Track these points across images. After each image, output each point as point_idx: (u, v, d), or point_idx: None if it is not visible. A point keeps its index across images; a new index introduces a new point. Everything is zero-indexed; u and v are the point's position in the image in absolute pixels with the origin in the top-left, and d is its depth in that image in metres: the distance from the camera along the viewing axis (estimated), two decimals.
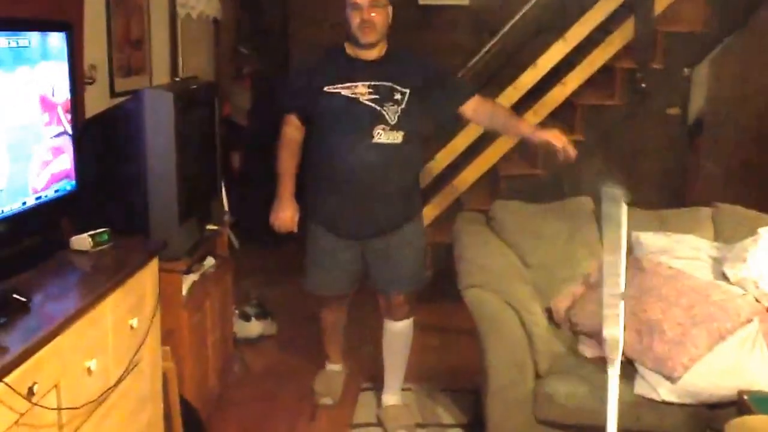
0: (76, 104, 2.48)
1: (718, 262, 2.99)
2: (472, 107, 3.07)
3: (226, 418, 3.22)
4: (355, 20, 2.89)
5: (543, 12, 4.76)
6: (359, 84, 2.90)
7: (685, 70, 4.65)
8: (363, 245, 3.06)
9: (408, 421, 3.17)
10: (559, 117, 4.56)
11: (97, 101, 2.99)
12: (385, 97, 2.89)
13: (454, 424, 3.17)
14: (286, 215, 3.02)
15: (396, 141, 2.90)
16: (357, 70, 2.94)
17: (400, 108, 2.90)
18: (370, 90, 2.90)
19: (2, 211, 2.06)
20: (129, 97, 2.79)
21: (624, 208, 2.33)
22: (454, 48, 4.94)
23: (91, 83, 3.01)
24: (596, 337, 2.77)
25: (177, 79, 3.86)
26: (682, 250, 3.01)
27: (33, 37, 2.19)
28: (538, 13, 4.71)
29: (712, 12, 4.46)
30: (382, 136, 2.88)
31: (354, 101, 2.89)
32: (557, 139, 2.92)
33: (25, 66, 2.14)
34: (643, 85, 4.49)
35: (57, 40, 2.34)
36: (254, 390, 3.47)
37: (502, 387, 2.65)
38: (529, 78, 4.47)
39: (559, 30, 4.55)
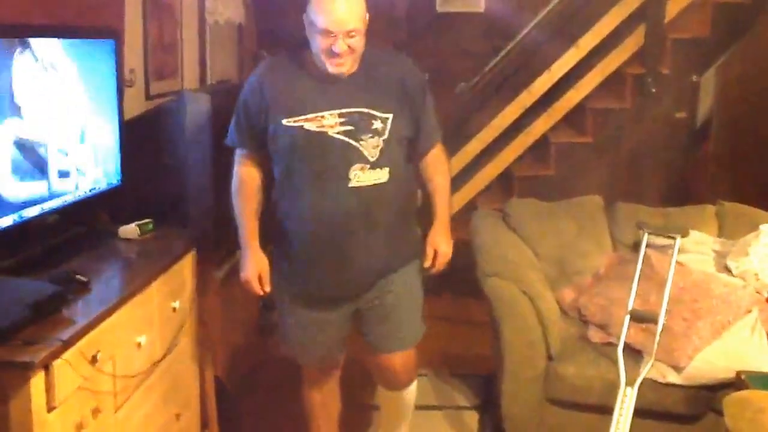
0: (121, 106, 2.69)
1: (721, 256, 3.16)
2: (432, 154, 2.51)
3: (255, 398, 3.40)
4: (321, 44, 2.22)
5: (556, 19, 4.92)
6: (326, 114, 2.26)
7: (694, 77, 4.80)
8: (350, 304, 2.49)
9: None
10: (569, 120, 4.74)
11: (134, 103, 3.17)
12: (361, 127, 2.27)
13: (468, 406, 3.35)
14: (251, 274, 2.40)
15: (380, 180, 2.30)
16: (323, 95, 2.29)
17: (381, 139, 2.28)
18: (342, 120, 2.26)
19: (64, 201, 2.27)
20: (169, 99, 2.98)
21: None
22: (468, 54, 5.11)
23: (130, 86, 3.20)
24: (603, 325, 2.95)
25: (211, 82, 4.05)
26: (688, 245, 3.18)
27: (84, 44, 2.39)
28: (551, 20, 4.87)
29: (719, 19, 4.60)
30: (362, 177, 2.27)
31: (321, 136, 2.25)
32: (441, 255, 2.49)
33: (76, 68, 2.34)
34: (653, 89, 4.66)
35: (106, 46, 2.54)
36: (278, 373, 3.63)
37: (516, 367, 2.83)
38: (543, 83, 4.64)
39: (572, 36, 4.71)
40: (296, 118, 2.27)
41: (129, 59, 3.18)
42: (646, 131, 4.74)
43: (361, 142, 2.27)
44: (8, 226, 2.05)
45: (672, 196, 4.42)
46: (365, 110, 2.29)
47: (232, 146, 2.40)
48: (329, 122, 2.26)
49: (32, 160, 2.13)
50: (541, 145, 4.74)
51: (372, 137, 2.27)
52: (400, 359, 2.54)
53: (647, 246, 3.08)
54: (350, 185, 2.26)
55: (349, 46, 2.21)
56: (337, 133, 2.25)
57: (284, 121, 2.27)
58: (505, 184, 4.87)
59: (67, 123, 2.31)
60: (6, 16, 2.25)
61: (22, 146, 2.08)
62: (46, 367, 1.71)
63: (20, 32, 2.12)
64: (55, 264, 2.16)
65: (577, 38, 4.66)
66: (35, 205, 2.16)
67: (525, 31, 4.82)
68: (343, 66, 2.24)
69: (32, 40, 2.11)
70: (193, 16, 4.08)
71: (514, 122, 4.67)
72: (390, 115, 2.31)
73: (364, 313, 2.50)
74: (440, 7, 5.31)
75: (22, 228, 2.12)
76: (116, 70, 2.61)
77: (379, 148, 2.28)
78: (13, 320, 1.74)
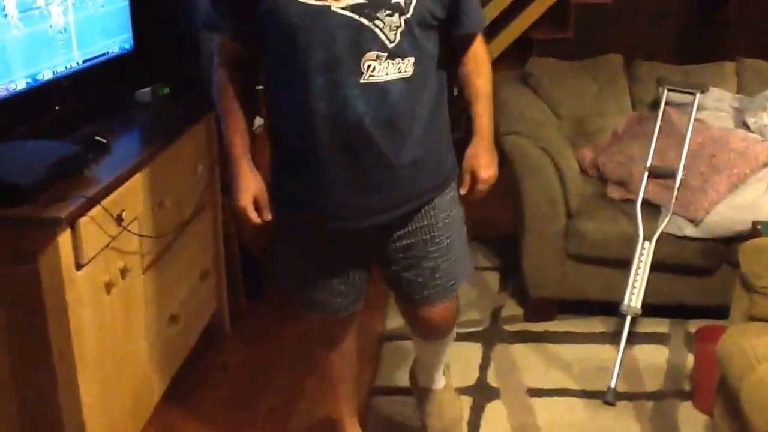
0: None
1: (739, 112, 3.13)
2: (472, 48, 1.94)
3: None
4: None
5: None
6: None
7: None
8: (369, 240, 1.93)
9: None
10: None
11: None
12: (376, 1, 1.68)
13: (491, 267, 3.40)
14: (245, 200, 1.86)
15: (403, 74, 1.74)
16: None
17: (403, 18, 1.70)
18: None
19: (78, 63, 2.26)
20: None
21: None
22: None
23: None
24: (622, 182, 2.95)
25: None
26: (707, 102, 3.14)
27: None
28: None
29: None
30: (378, 69, 1.71)
31: (323, 12, 1.67)
32: (482, 180, 1.93)
33: None
34: None
35: None
36: None
37: (537, 224, 2.86)
38: None
39: None
40: None
41: None
42: None
43: (377, 21, 1.68)
44: (22, 89, 2.04)
45: (692, 54, 4.32)
46: None
47: (210, 29, 1.86)
48: None
49: (43, 23, 2.10)
50: (559, 8, 4.60)
51: (391, 14, 1.69)
52: (442, 311, 2.03)
53: (666, 103, 3.05)
54: (363, 80, 1.70)
55: None
56: (343, 7, 1.66)
57: None
58: (522, 49, 4.77)
59: None
60: None
61: (28, 7, 2.05)
62: (72, 225, 1.75)
63: None
64: (73, 129, 2.17)
65: None
66: (47, 69, 2.15)
67: None
68: None
69: None
70: None
71: (495, 20, 4.53)
72: None
73: (390, 256, 1.94)
74: None
75: (37, 92, 2.11)
76: None
77: (401, 29, 1.71)
78: (37, 179, 1.76)
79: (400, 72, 1.74)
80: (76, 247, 1.77)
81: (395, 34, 1.71)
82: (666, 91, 3.06)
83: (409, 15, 1.71)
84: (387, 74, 1.72)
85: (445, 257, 1.95)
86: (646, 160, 2.84)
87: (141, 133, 2.40)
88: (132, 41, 2.56)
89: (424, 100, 1.80)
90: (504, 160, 2.96)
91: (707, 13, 4.67)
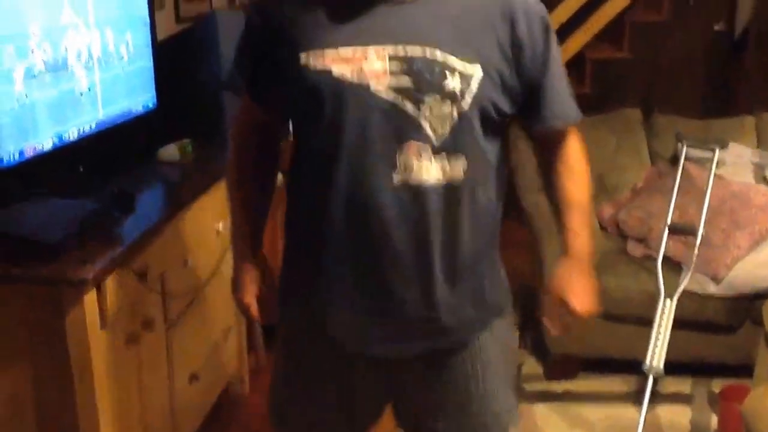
0: (153, 27, 2.67)
1: (760, 167, 3.14)
2: (563, 145, 1.56)
3: None
4: None
5: None
6: (370, 50, 1.36)
7: None
8: (390, 374, 1.56)
9: None
10: (605, 35, 4.63)
11: (165, 26, 3.16)
12: (425, 82, 1.35)
13: None
14: (247, 296, 1.63)
15: (449, 178, 1.39)
16: (367, 19, 1.38)
17: (456, 107, 1.37)
18: (395, 66, 1.35)
19: (103, 121, 2.30)
20: (201, 18, 2.96)
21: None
22: None
23: (160, 9, 3.17)
24: (642, 239, 2.94)
25: (241, 1, 4.00)
26: (727, 157, 3.14)
27: None
28: None
29: None
30: (417, 167, 1.37)
31: (359, 91, 1.36)
32: (577, 310, 1.51)
33: None
34: (690, 1, 4.53)
35: None
36: None
37: None
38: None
39: None
40: (319, 54, 1.37)
41: None
42: (684, 44, 4.63)
43: (423, 108, 1.36)
44: (48, 149, 2.07)
45: (710, 107, 4.34)
46: (435, 54, 1.35)
47: (233, 91, 1.65)
48: (374, 67, 1.35)
49: (70, 82, 2.14)
50: (576, 62, 4.65)
51: (442, 101, 1.36)
52: None
53: (686, 158, 3.05)
54: (396, 179, 1.36)
55: None
56: (385, 88, 1.35)
57: (302, 57, 1.38)
58: None
59: (101, 45, 2.30)
60: None
61: (56, 67, 2.08)
62: (98, 286, 1.76)
63: None
64: (97, 186, 2.19)
65: None
66: (73, 128, 2.17)
67: None
68: None
69: None
70: None
71: None
72: (477, 68, 1.37)
73: (412, 401, 1.58)
74: None
75: (62, 151, 2.14)
76: None
77: (452, 122, 1.37)
78: (63, 237, 1.77)
79: (445, 174, 1.38)
80: (102, 305, 1.78)
81: (445, 127, 1.37)
82: (685, 147, 3.07)
83: (465, 106, 1.37)
84: (428, 175, 1.37)
85: (487, 411, 1.57)
86: (667, 216, 2.84)
87: (165, 190, 2.42)
88: (155, 99, 2.60)
89: (473, 212, 1.43)
90: (522, 215, 2.98)
91: (725, 64, 4.72)
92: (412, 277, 1.42)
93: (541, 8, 1.45)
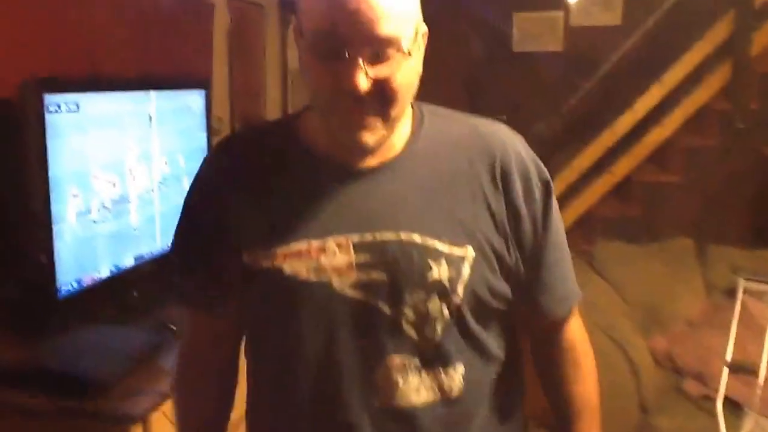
0: None
1: None
2: (565, 332, 1.28)
3: None
4: (322, 80, 1.04)
5: (638, 55, 4.84)
6: (330, 241, 1.08)
7: None
8: None
9: None
10: (654, 158, 4.63)
11: None
12: (403, 276, 1.08)
13: None
14: None
15: (449, 392, 1.12)
16: (329, 204, 1.11)
17: (446, 302, 1.09)
18: (363, 258, 1.08)
19: (159, 250, 2.33)
20: None
21: None
22: (547, 92, 5.06)
23: (217, 135, 3.27)
24: (700, 376, 2.84)
25: None
26: None
27: (177, 94, 2.47)
28: (633, 56, 4.80)
29: None
30: (403, 387, 1.09)
31: (317, 291, 1.08)
32: None
33: (169, 118, 2.41)
34: (741, 125, 4.53)
35: (196, 96, 2.61)
36: None
37: (606, 419, 2.73)
38: (626, 121, 4.56)
39: (655, 72, 4.63)
40: (267, 250, 1.09)
41: (215, 107, 3.25)
42: (735, 168, 4.60)
43: (404, 309, 1.07)
44: (105, 277, 2.10)
45: (763, 234, 4.25)
46: (413, 237, 1.08)
47: (174, 301, 1.30)
48: (336, 261, 1.07)
49: (130, 216, 2.19)
50: (624, 185, 4.64)
51: (427, 297, 1.07)
52: None
53: (743, 292, 2.97)
54: (375, 404, 1.09)
55: (380, 82, 1.01)
56: (352, 286, 1.06)
57: (245, 255, 1.11)
58: (587, 225, 4.78)
59: (162, 178, 2.37)
60: (106, 69, 2.35)
61: (118, 201, 2.14)
62: (144, 420, 1.74)
63: (118, 85, 2.19)
64: (148, 312, 2.20)
65: (661, 74, 4.57)
66: (130, 257, 2.21)
67: (606, 67, 4.76)
68: (368, 132, 1.05)
69: (130, 93, 2.18)
70: (276, 63, 4.17)
71: (596, 162, 4.59)
72: (468, 250, 1.09)
73: None
74: (517, 47, 5.29)
75: (118, 278, 2.17)
76: (206, 119, 2.67)
77: (443, 322, 1.09)
78: (112, 372, 1.78)
79: (440, 389, 1.10)
80: None
81: (434, 330, 1.08)
82: (742, 281, 2.99)
83: (457, 300, 1.07)
84: (418, 395, 1.09)
85: None
86: (725, 353, 2.75)
87: None
88: None
89: (483, 429, 1.15)
90: None
91: None
92: None
93: (540, 168, 1.18)
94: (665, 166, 4.69)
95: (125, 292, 2.27)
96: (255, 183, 1.15)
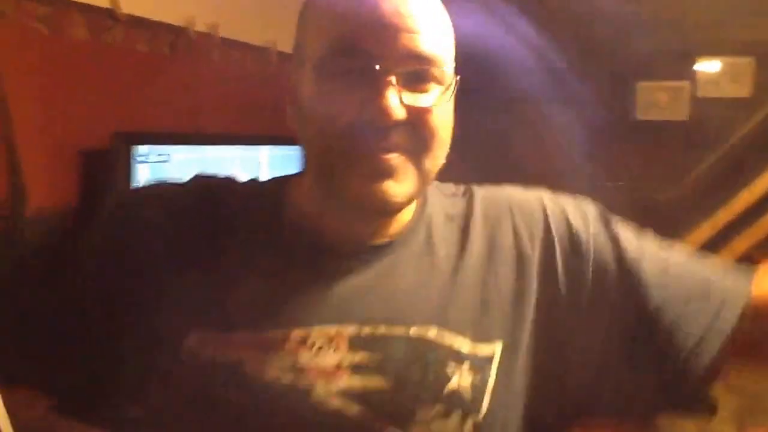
0: None
1: None
2: None
3: None
4: (337, 112, 0.75)
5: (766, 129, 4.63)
6: (316, 331, 0.78)
7: None
8: None
9: None
10: None
11: None
12: (411, 384, 0.78)
13: None
14: None
15: None
16: (313, 283, 0.81)
17: (469, 420, 0.79)
18: (359, 356, 0.77)
19: None
20: None
21: None
22: (667, 164, 4.91)
23: None
24: None
25: None
26: None
27: (283, 149, 2.61)
28: (760, 131, 4.59)
29: None
30: None
31: (294, 400, 0.75)
32: None
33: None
34: None
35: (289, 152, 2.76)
36: None
37: None
38: (744, 198, 4.36)
39: None
40: (221, 335, 0.80)
41: None
42: None
43: (411, 429, 0.79)
44: None
45: None
46: (428, 333, 0.82)
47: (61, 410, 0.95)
48: (321, 360, 0.79)
49: None
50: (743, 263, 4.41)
51: (445, 415, 0.79)
52: None
53: None
54: None
55: (417, 113, 0.78)
56: (341, 394, 0.77)
57: (190, 339, 0.80)
58: None
59: None
60: (215, 127, 2.54)
61: None
62: None
63: (230, 140, 2.38)
64: None
65: None
66: None
67: (733, 140, 4.57)
68: (396, 182, 0.80)
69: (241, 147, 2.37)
70: None
71: (711, 239, 4.40)
72: (496, 348, 0.84)
73: None
74: (641, 114, 5.18)
75: None
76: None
77: None
78: None
79: None
80: None
81: None
82: None
83: (479, 415, 0.80)
84: None
85: None
86: None
87: None
88: None
89: None
90: None
91: None
92: None
93: (611, 233, 0.91)
94: None
95: None
96: (216, 247, 0.84)
